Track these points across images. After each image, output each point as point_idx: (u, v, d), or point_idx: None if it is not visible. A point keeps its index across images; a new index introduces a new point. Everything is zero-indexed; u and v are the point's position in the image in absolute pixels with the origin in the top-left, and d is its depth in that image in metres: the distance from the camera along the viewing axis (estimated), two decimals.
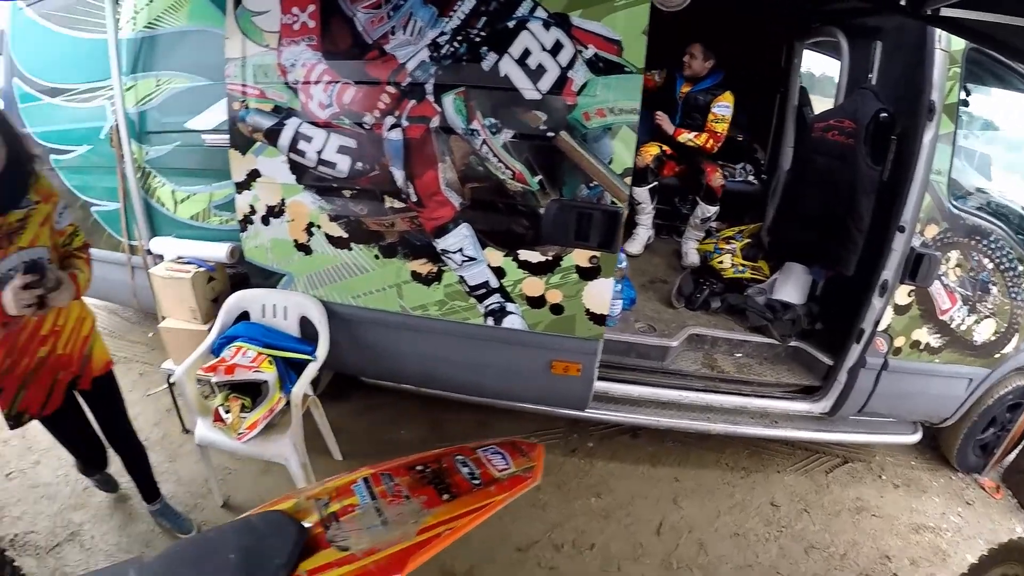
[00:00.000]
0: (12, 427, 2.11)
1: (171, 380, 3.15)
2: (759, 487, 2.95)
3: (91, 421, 2.40)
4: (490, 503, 1.03)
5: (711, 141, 3.72)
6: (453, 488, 1.05)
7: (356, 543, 0.97)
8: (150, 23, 2.92)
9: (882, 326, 2.71)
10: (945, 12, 1.77)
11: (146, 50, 2.95)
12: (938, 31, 2.41)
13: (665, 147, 3.91)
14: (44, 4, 3.32)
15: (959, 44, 2.44)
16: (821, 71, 4.82)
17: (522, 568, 2.46)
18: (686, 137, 3.77)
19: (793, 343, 3.17)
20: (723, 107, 3.72)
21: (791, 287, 3.22)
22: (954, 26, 1.88)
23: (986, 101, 3.07)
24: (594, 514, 2.72)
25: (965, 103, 2.60)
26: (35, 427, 3.42)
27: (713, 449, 3.14)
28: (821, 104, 4.17)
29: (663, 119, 3.82)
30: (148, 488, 2.55)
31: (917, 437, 3.13)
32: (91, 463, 2.59)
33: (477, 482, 1.07)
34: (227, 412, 2.43)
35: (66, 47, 3.26)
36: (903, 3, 1.84)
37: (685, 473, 2.99)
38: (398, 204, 2.45)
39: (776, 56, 4.23)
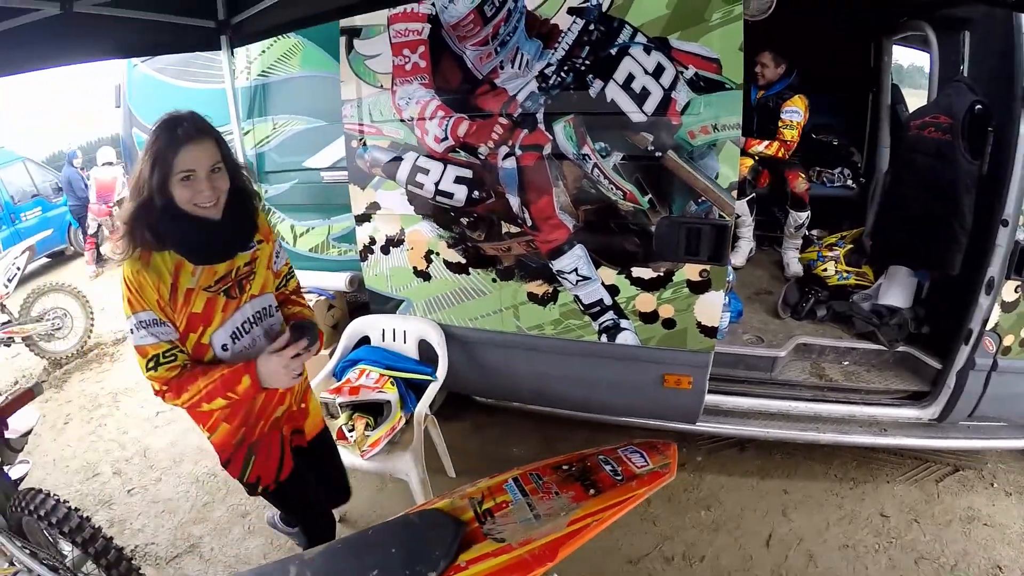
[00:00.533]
0: (251, 494, 1.87)
1: None
2: (868, 498, 2.87)
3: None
4: (632, 496, 1.11)
5: (782, 149, 3.68)
6: (598, 484, 1.12)
7: (511, 535, 1.05)
8: (264, 72, 3.14)
9: (990, 325, 2.60)
10: None
11: (261, 96, 3.18)
12: None
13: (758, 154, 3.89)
14: (158, 60, 3.61)
15: None
16: (910, 62, 4.67)
17: None
18: (756, 149, 3.74)
19: (901, 348, 3.09)
20: (791, 112, 3.65)
21: (896, 291, 3.15)
22: None
23: None
24: (704, 527, 2.72)
25: None
26: (156, 445, 3.72)
27: (821, 460, 3.08)
28: (915, 99, 4.05)
29: None
30: None
31: None
32: (321, 535, 2.06)
33: (619, 478, 1.14)
34: (351, 430, 2.55)
35: (182, 97, 3.51)
36: None
37: (793, 485, 2.95)
38: (514, 229, 2.54)
39: (865, 55, 4.16)
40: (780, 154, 3.68)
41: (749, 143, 3.75)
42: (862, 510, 2.79)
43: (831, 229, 3.95)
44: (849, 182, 4.19)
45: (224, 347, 1.62)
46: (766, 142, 3.72)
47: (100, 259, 8.33)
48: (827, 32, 3.90)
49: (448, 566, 1.02)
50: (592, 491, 1.10)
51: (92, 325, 5.56)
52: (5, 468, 2.41)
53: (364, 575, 1.04)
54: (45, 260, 8.88)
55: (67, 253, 9.22)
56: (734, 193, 2.32)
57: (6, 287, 5.03)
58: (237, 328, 1.65)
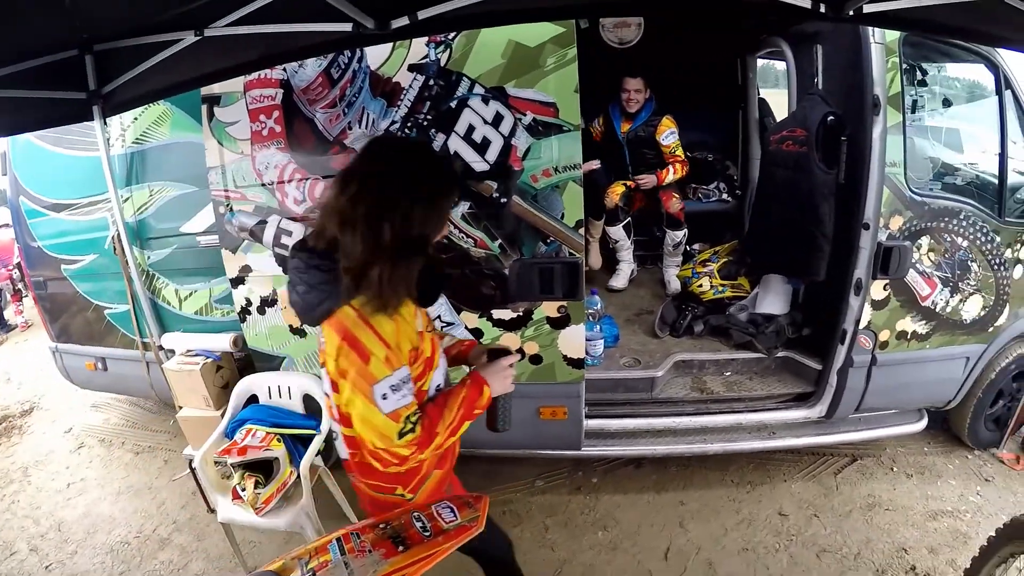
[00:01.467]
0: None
1: (192, 465, 3.34)
2: (765, 499, 2.95)
3: None
4: (437, 551, 1.18)
5: (683, 168, 3.81)
6: (407, 540, 1.21)
7: None
8: (137, 139, 3.15)
9: (863, 323, 2.73)
10: (868, 8, 1.77)
11: (137, 163, 3.19)
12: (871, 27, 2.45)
13: (630, 182, 3.97)
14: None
15: (893, 34, 2.48)
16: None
17: None
18: (669, 178, 3.85)
19: (781, 353, 3.21)
20: (669, 135, 3.79)
21: (772, 299, 3.27)
22: (881, 20, 1.89)
23: (941, 76, 3.09)
24: (602, 547, 2.77)
25: (923, 83, 2.64)
26: (70, 517, 3.67)
27: (717, 468, 3.16)
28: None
29: (591, 166, 3.80)
30: None
31: (922, 424, 3.13)
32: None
33: (428, 534, 1.22)
34: (243, 490, 2.59)
35: (64, 165, 3.51)
36: (823, 10, 1.80)
37: (690, 496, 3.02)
38: None
39: (731, 72, 4.32)
40: (684, 173, 3.81)
41: (660, 176, 3.84)
42: (760, 512, 2.86)
43: (712, 243, 4.08)
44: (725, 196, 4.35)
45: (438, 387, 1.53)
46: (669, 168, 3.84)
47: (3, 324, 7.81)
48: (692, 52, 4.04)
49: None
50: (401, 547, 1.18)
51: None
52: None
53: None
54: None
55: None
56: (581, 231, 2.42)
57: None
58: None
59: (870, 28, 2.46)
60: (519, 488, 3.21)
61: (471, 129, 2.38)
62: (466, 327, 2.60)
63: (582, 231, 2.42)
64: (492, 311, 2.57)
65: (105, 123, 3.01)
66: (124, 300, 3.46)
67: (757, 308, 3.29)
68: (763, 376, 3.24)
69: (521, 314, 2.55)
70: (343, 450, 1.57)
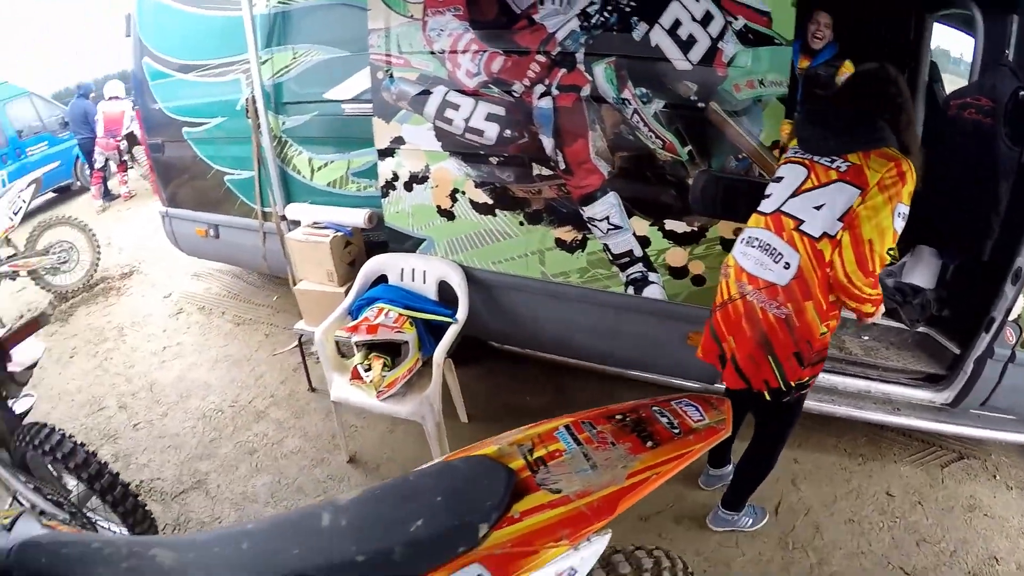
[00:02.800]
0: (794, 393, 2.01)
1: (301, 340, 3.31)
2: (875, 475, 2.88)
3: None
4: (690, 451, 1.06)
5: None
6: (655, 436, 1.08)
7: (567, 486, 0.99)
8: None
9: (1013, 315, 2.53)
10: None
11: (281, 25, 3.04)
12: None
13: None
14: None
15: None
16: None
17: (643, 535, 2.46)
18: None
19: (921, 329, 3.06)
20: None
21: (921, 271, 3.08)
22: None
23: None
24: (715, 491, 2.70)
25: None
26: (163, 379, 3.70)
27: (832, 434, 3.07)
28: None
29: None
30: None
31: None
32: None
33: (676, 431, 1.09)
34: (367, 370, 2.52)
35: (196, 26, 3.41)
36: None
37: (804, 456, 2.94)
38: (546, 171, 2.46)
39: (904, 29, 4.00)
40: None
41: None
42: (869, 487, 2.81)
43: None
44: None
45: None
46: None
47: (107, 194, 8.27)
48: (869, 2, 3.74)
49: (500, 518, 0.96)
50: (649, 443, 1.05)
51: (98, 259, 5.52)
52: (9, 402, 2.37)
53: (406, 525, 0.98)
54: (51, 195, 8.84)
55: (73, 188, 9.16)
56: (776, 152, 2.23)
57: (11, 220, 4.95)
58: None
59: None
60: None
61: (677, 24, 2.17)
62: (634, 234, 2.44)
63: (776, 153, 2.23)
64: (666, 220, 2.40)
65: None
66: (248, 167, 3.38)
67: (904, 277, 3.11)
68: (899, 348, 3.09)
69: (695, 229, 2.38)
70: (783, 274, 1.83)
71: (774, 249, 1.84)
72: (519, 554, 0.94)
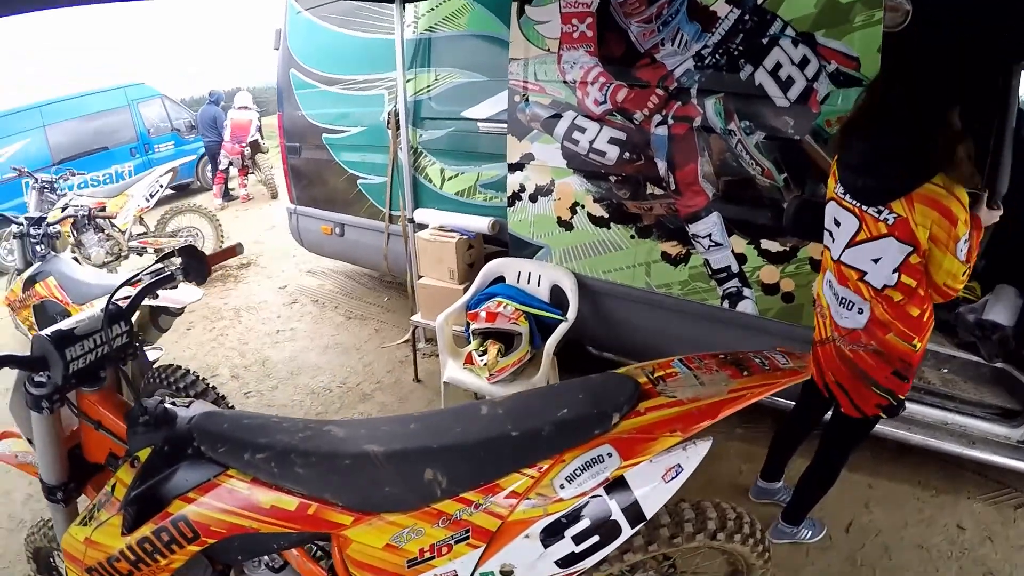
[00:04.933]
0: (895, 414, 2.10)
1: (415, 332, 3.64)
2: (947, 507, 2.88)
3: None
4: (777, 381, 1.26)
5: None
6: (750, 368, 1.29)
7: (681, 393, 1.22)
8: (430, 27, 3.44)
9: None
10: None
11: (426, 49, 3.47)
12: None
13: None
14: (321, 8, 3.97)
15: None
16: None
17: None
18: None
19: (999, 364, 3.11)
20: None
21: (1002, 308, 3.16)
22: None
23: None
24: (772, 503, 2.79)
25: None
26: (275, 357, 4.09)
27: (908, 464, 3.09)
28: None
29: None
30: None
31: None
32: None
33: (766, 368, 1.30)
34: (483, 354, 2.82)
35: (345, 44, 3.88)
36: None
37: (878, 482, 3.00)
38: (658, 191, 2.75)
39: (992, 77, 4.11)
40: None
41: None
42: (940, 517, 2.82)
43: None
44: None
45: None
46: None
47: (227, 194, 9.01)
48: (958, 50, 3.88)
49: (630, 410, 1.20)
50: (745, 372, 1.27)
51: (221, 247, 6.03)
52: (145, 347, 2.68)
53: (554, 411, 1.22)
54: (171, 192, 9.60)
55: (193, 187, 9.97)
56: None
57: (147, 201, 5.54)
58: None
59: None
60: (719, 428, 3.28)
61: (778, 66, 2.45)
62: (733, 251, 2.69)
63: None
64: (761, 240, 2.64)
65: (403, 8, 3.31)
66: (382, 173, 3.79)
67: (985, 314, 3.20)
68: (977, 382, 3.15)
69: (787, 249, 2.60)
70: (858, 319, 1.95)
71: (845, 299, 1.99)
72: (641, 439, 1.17)
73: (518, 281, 3.13)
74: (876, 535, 2.71)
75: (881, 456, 3.14)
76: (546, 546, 1.17)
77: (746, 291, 2.73)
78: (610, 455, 1.16)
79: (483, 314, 2.87)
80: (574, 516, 1.17)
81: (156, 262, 1.60)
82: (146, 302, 1.85)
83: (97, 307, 1.43)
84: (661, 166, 2.71)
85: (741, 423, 3.32)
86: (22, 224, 3.71)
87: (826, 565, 2.51)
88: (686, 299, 2.85)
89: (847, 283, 1.96)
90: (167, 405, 1.39)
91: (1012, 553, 2.70)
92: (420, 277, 3.50)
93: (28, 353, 1.35)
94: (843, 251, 1.95)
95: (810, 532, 2.56)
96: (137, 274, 2.15)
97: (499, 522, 1.17)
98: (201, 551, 1.30)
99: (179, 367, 2.62)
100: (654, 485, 1.20)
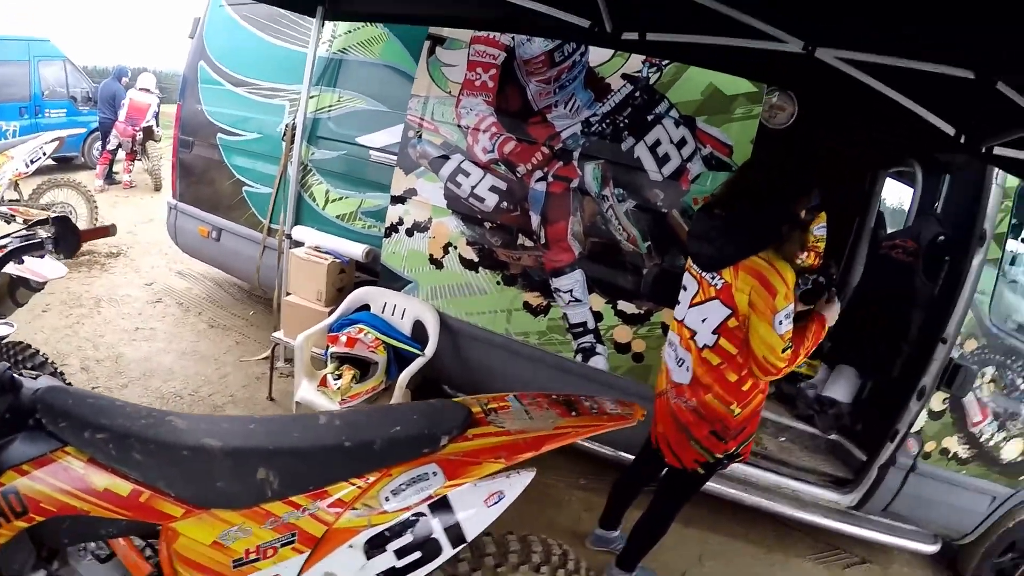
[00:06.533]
0: (722, 468, 2.25)
1: (274, 350, 3.55)
2: (778, 566, 3.09)
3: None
4: (602, 423, 1.37)
5: (817, 260, 4.00)
6: (579, 409, 1.39)
7: (510, 424, 1.31)
8: (343, 48, 3.46)
9: (915, 428, 2.88)
10: (999, 151, 2.00)
11: (335, 69, 3.49)
12: (997, 169, 2.68)
13: None
14: (244, 7, 3.90)
15: (1013, 181, 2.71)
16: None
17: None
18: (800, 260, 3.97)
19: (833, 436, 3.43)
20: (822, 228, 3.97)
21: (841, 386, 3.49)
22: (1006, 164, 2.13)
23: None
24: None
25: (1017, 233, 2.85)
26: (130, 355, 3.88)
27: (743, 523, 3.28)
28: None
29: None
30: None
31: (935, 548, 3.18)
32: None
33: (595, 411, 1.41)
34: (337, 379, 2.81)
35: (259, 49, 3.83)
36: (962, 141, 2.04)
37: (713, 538, 3.16)
38: (528, 242, 2.88)
39: (860, 181, 4.58)
40: (815, 264, 3.97)
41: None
42: (772, 573, 3.03)
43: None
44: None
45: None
46: (805, 254, 3.99)
47: (110, 177, 8.49)
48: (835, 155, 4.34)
49: (459, 434, 1.27)
50: (573, 413, 1.38)
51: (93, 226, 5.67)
52: None
53: (387, 429, 1.28)
54: (51, 163, 8.96)
55: (76, 162, 9.29)
56: None
57: (27, 167, 5.09)
58: None
59: (996, 170, 2.70)
60: (563, 477, 3.39)
61: (658, 143, 2.67)
62: (591, 308, 2.83)
63: None
64: (619, 301, 2.80)
65: (322, 25, 3.32)
66: (268, 183, 3.71)
67: (825, 391, 3.51)
68: (812, 451, 3.44)
69: (643, 312, 2.78)
70: (685, 375, 2.12)
71: (678, 355, 2.18)
72: (466, 462, 1.24)
73: (383, 312, 3.14)
74: None
75: (718, 513, 3.29)
76: (368, 557, 1.22)
77: (599, 347, 2.88)
78: (435, 474, 1.23)
79: (343, 338, 2.87)
80: (397, 530, 1.23)
81: (27, 227, 1.54)
82: (7, 269, 1.70)
83: None
84: (535, 219, 2.85)
85: (586, 473, 3.42)
86: None
87: None
88: (542, 348, 2.96)
89: (682, 340, 2.15)
90: (14, 374, 1.32)
91: None
92: (288, 294, 3.44)
93: None
94: (686, 312, 2.14)
95: None
96: (4, 236, 2.00)
97: (324, 528, 1.21)
98: (27, 529, 1.25)
99: (29, 346, 2.43)
100: (476, 509, 1.27)
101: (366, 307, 3.19)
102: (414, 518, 1.24)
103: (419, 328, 3.09)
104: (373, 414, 1.45)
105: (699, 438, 2.13)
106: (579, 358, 2.91)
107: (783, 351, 1.89)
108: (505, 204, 2.90)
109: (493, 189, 2.91)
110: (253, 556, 1.22)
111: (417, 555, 1.24)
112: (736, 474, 3.15)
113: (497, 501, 1.29)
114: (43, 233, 1.55)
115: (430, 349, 2.97)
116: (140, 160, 8.64)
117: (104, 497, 1.23)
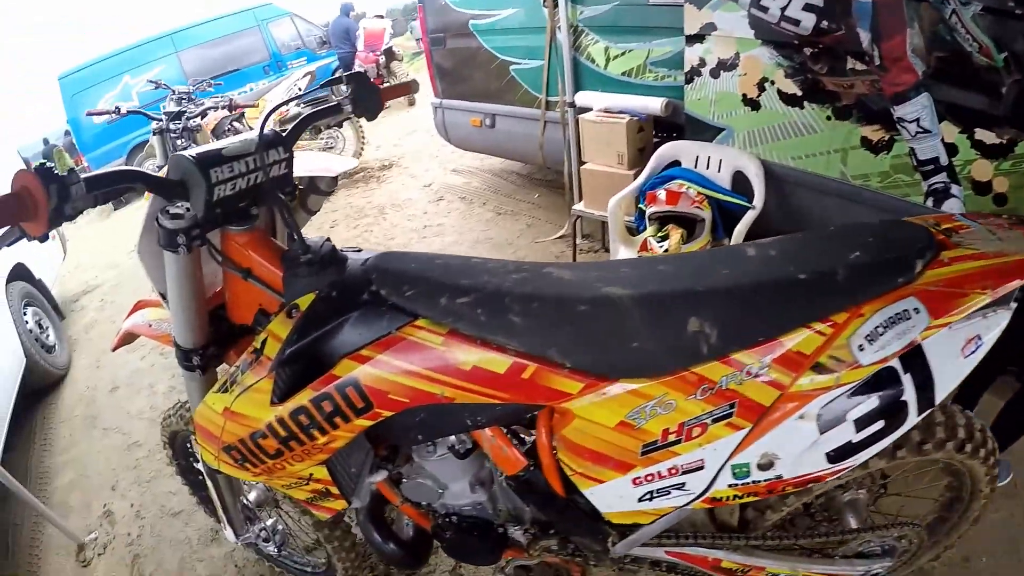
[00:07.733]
0: None
1: (576, 220, 3.58)
2: None
3: None
4: None
5: None
6: None
7: (983, 246, 0.99)
8: None
9: None
10: None
11: None
12: None
13: None
14: None
15: None
16: None
17: None
18: None
19: None
20: None
21: None
22: None
23: None
24: None
25: None
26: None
27: None
28: None
29: None
30: None
31: None
32: None
33: None
34: (661, 241, 2.66)
35: None
36: None
37: None
38: (860, 66, 2.49)
39: None
40: None
41: None
42: None
43: None
44: None
45: None
46: None
47: None
48: None
49: (933, 258, 0.96)
50: None
51: (362, 150, 6.26)
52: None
53: (844, 254, 0.98)
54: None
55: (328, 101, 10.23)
56: None
57: (285, 105, 5.69)
58: None
59: None
60: None
61: None
62: (943, 140, 2.39)
63: None
64: (976, 129, 2.30)
65: None
66: (538, 56, 3.62)
67: None
68: None
69: (1004, 142, 2.25)
70: None
71: None
72: (952, 294, 0.93)
73: (695, 166, 2.90)
74: None
75: None
76: (822, 431, 0.95)
77: (954, 188, 2.41)
78: (917, 311, 0.92)
79: (662, 195, 2.69)
80: (863, 392, 0.94)
81: (321, 86, 1.36)
82: (298, 172, 1.61)
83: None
84: (864, 37, 2.44)
85: None
86: (161, 120, 3.78)
87: (1008, 515, 2.07)
88: (885, 193, 2.56)
89: None
90: (336, 246, 1.14)
91: None
92: (583, 164, 3.39)
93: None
94: None
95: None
96: (293, 98, 1.98)
97: (776, 394, 0.93)
98: (370, 427, 1.06)
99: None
100: (953, 359, 0.97)
101: (676, 163, 2.97)
102: (885, 373, 0.93)
103: (739, 180, 2.81)
104: (814, 240, 1.12)
105: None
106: (930, 202, 2.47)
107: None
108: (825, 23, 2.50)
109: (808, 7, 2.51)
110: (673, 438, 0.96)
111: (880, 424, 0.95)
112: None
113: (975, 349, 0.97)
114: (340, 92, 1.36)
115: (758, 200, 2.70)
116: (388, 81, 9.17)
117: (473, 378, 0.98)
